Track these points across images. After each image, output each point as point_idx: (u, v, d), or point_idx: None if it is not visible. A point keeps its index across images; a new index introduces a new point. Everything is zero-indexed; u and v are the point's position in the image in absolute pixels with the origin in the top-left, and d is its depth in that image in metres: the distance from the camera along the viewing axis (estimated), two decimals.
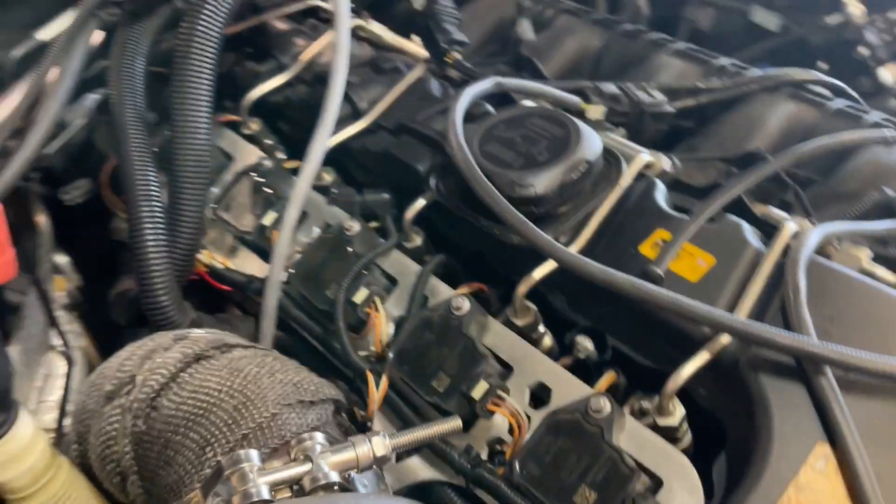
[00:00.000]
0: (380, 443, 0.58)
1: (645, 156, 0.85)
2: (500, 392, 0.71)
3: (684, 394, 0.71)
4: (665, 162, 0.88)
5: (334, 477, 0.56)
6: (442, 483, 0.72)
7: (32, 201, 1.12)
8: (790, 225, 0.75)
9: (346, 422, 0.70)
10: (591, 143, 0.80)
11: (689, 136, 1.06)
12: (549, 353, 0.80)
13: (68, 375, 0.98)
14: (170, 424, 0.64)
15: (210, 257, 0.99)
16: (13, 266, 0.69)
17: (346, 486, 0.56)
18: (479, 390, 0.71)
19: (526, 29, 1.24)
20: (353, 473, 0.58)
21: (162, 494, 0.63)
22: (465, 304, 0.76)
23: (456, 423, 0.63)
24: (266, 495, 0.54)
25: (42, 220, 1.11)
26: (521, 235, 0.73)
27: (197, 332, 0.73)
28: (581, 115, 0.99)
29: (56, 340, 1.00)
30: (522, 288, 0.76)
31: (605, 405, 0.66)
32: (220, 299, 1.01)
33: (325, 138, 0.88)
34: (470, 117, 0.90)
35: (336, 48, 0.90)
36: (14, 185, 0.81)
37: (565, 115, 0.83)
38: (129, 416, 0.66)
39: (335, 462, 0.57)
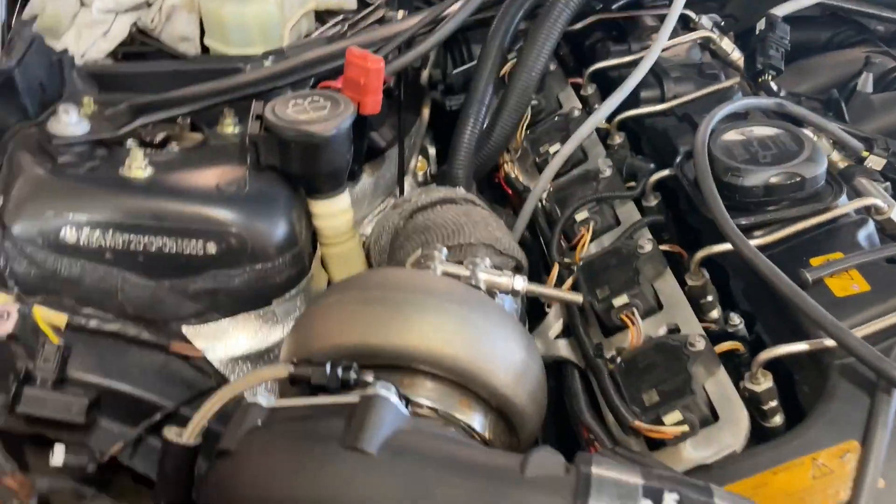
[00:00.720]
0: (520, 281, 0.84)
1: (875, 200, 0.93)
2: (634, 310, 0.90)
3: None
4: None
5: (482, 286, 0.83)
6: (570, 361, 0.95)
7: (426, 100, 1.54)
8: None
9: None
10: (814, 164, 0.91)
11: None
12: (713, 322, 0.95)
13: None
14: (414, 228, 0.97)
15: (511, 168, 1.30)
16: (378, 105, 1.06)
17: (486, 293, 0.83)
18: (619, 301, 0.91)
19: (866, 82, 1.30)
20: (498, 292, 0.85)
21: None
22: (648, 246, 0.95)
23: (578, 297, 0.85)
24: (439, 273, 0.83)
25: (426, 112, 1.52)
26: (708, 207, 0.90)
27: (460, 189, 1.04)
28: (860, 160, 1.08)
29: (397, 192, 1.41)
30: (699, 254, 0.92)
31: (701, 343, 0.82)
32: (506, 200, 1.32)
33: (613, 103, 1.12)
34: None
35: (654, 44, 1.13)
36: (404, 68, 1.19)
37: (808, 138, 0.95)
38: (398, 218, 1.01)
39: (485, 278, 0.84)
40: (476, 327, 0.73)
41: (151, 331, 0.93)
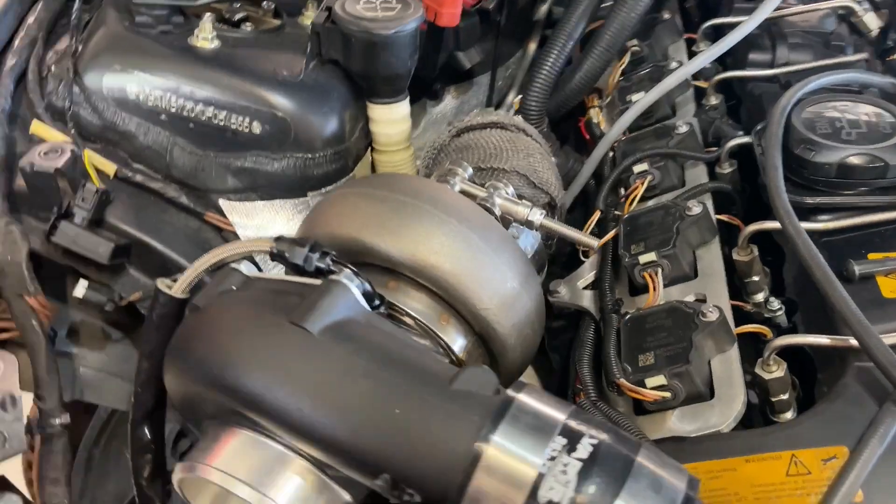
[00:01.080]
0: (537, 213, 0.80)
1: None
2: (659, 270, 0.84)
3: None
4: None
5: (497, 210, 0.80)
6: (588, 312, 0.91)
7: (535, 35, 1.48)
8: None
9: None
10: None
11: None
12: (756, 305, 0.87)
13: None
14: (456, 147, 0.95)
15: (596, 113, 1.24)
16: (456, 18, 1.03)
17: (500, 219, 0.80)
18: (645, 258, 0.85)
19: None
20: (513, 221, 0.82)
21: None
22: (697, 209, 0.88)
23: (593, 242, 0.80)
24: (457, 189, 0.81)
25: (532, 47, 1.46)
26: (767, 180, 0.81)
27: (518, 118, 1.01)
28: None
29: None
30: (749, 228, 0.84)
31: (713, 314, 0.75)
32: (584, 146, 1.26)
33: (704, 59, 1.04)
34: None
35: (765, 3, 1.03)
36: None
37: None
38: (447, 136, 0.99)
39: (501, 203, 0.81)
40: (469, 244, 0.71)
41: (191, 197, 0.97)
